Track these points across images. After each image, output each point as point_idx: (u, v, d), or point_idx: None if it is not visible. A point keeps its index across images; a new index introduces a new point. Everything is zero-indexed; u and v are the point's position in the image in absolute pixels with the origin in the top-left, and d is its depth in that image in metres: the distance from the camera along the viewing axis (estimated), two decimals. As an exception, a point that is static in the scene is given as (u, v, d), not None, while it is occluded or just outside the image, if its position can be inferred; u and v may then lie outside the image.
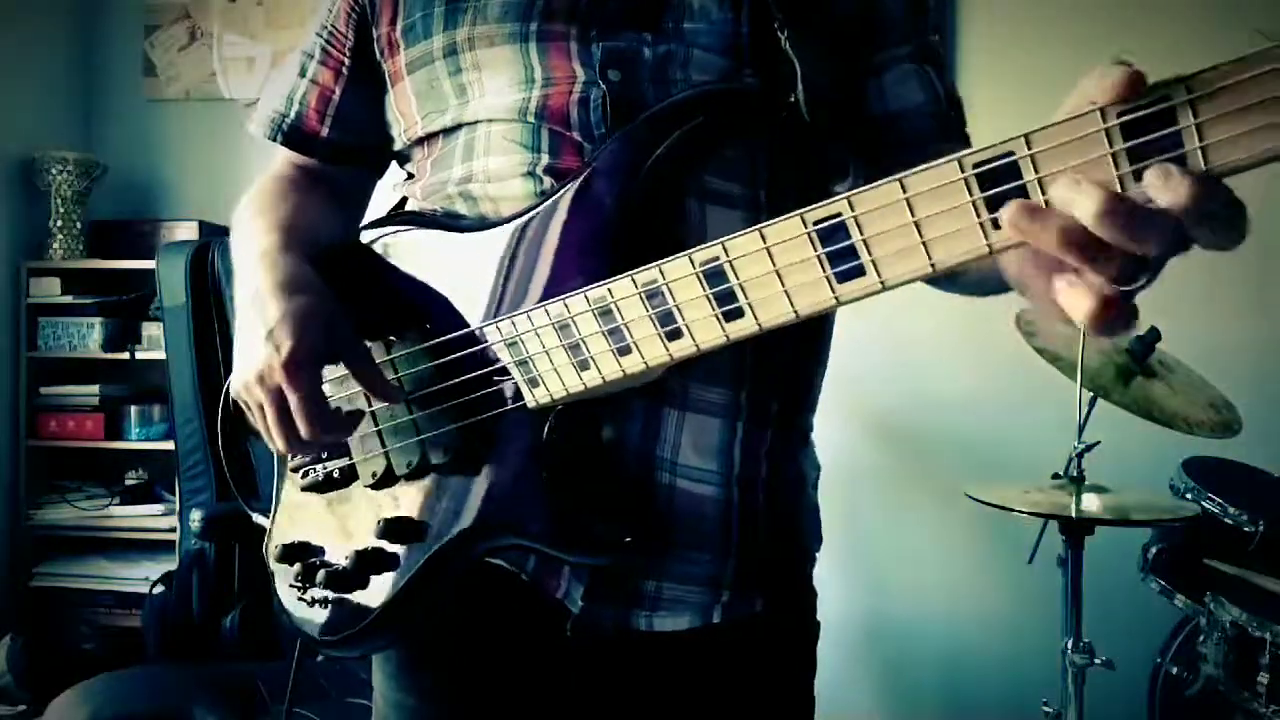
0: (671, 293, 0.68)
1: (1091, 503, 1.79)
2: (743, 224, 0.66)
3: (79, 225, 3.07)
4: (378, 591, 0.84)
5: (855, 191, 0.60)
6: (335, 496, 0.90)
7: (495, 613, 0.88)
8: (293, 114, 0.99)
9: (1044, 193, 0.53)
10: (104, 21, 3.30)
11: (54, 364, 3.04)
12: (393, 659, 0.94)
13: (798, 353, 0.89)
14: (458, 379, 0.81)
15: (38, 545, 3.04)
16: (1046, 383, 1.99)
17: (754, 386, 0.84)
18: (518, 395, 0.79)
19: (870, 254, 0.60)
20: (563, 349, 0.75)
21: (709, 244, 0.66)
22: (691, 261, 0.67)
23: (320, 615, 0.87)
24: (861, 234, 0.60)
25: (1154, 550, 2.06)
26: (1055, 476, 1.91)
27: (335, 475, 0.89)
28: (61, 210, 3.04)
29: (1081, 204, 0.50)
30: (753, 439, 0.85)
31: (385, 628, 0.85)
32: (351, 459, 0.88)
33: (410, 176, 0.96)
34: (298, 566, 0.87)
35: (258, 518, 0.97)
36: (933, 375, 2.68)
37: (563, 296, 0.74)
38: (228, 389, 1.00)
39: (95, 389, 3.01)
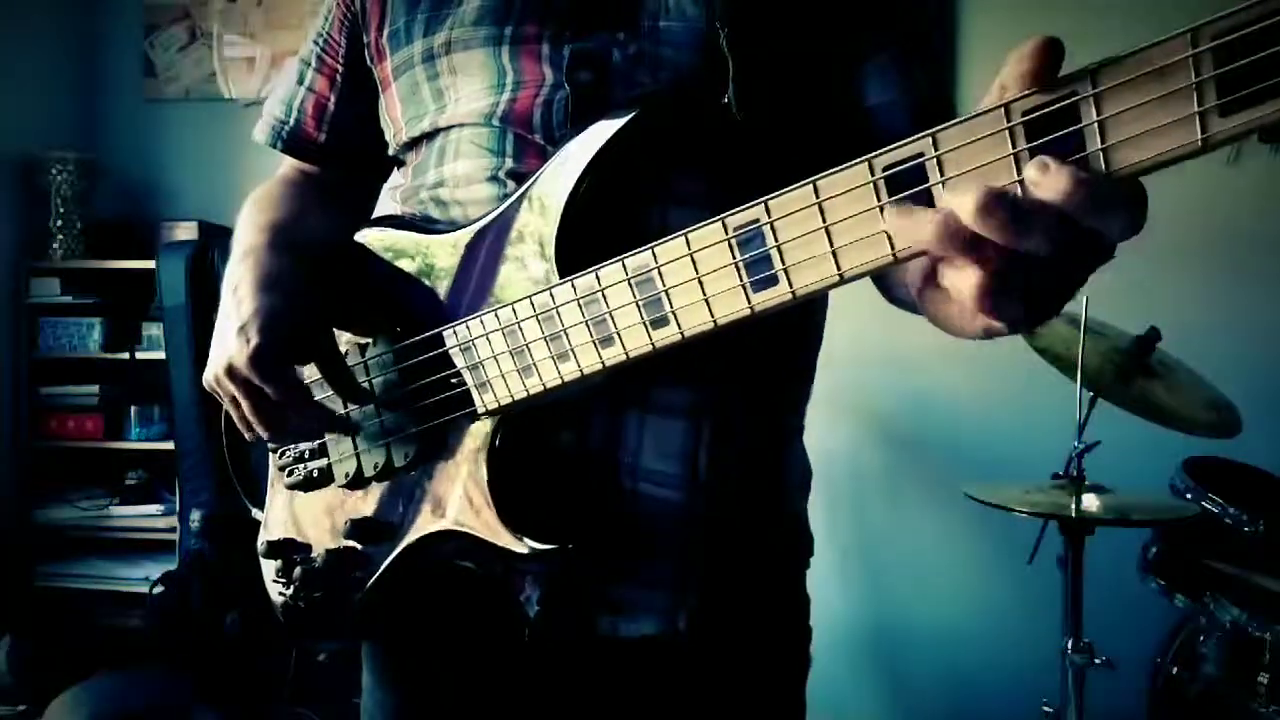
0: (606, 299, 0.68)
1: (1091, 503, 1.78)
2: None
3: (79, 225, 3.07)
4: (349, 589, 0.86)
5: (773, 195, 0.58)
6: (316, 495, 0.92)
7: (470, 615, 0.89)
8: (292, 121, 1.01)
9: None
10: (104, 21, 3.30)
11: (54, 364, 3.04)
12: (379, 660, 0.96)
13: (773, 354, 0.87)
14: (419, 383, 0.82)
15: (38, 545, 3.03)
16: (1046, 383, 1.99)
17: (723, 388, 0.83)
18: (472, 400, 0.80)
19: (783, 262, 0.58)
20: (509, 354, 0.75)
21: (640, 249, 0.65)
22: (624, 267, 0.66)
23: (298, 609, 0.89)
24: (776, 240, 0.58)
25: (1154, 550, 2.06)
26: (1055, 476, 1.91)
27: (315, 475, 0.91)
28: (61, 210, 3.04)
29: (960, 200, 0.48)
30: (722, 442, 0.83)
31: (357, 624, 0.88)
32: (329, 459, 0.90)
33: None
34: (279, 562, 0.89)
35: (256, 513, 1.00)
36: (933, 376, 2.68)
37: (511, 301, 0.74)
38: None
39: (95, 389, 3.01)
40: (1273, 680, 1.79)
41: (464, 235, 0.81)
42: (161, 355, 2.79)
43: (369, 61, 0.95)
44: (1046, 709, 1.92)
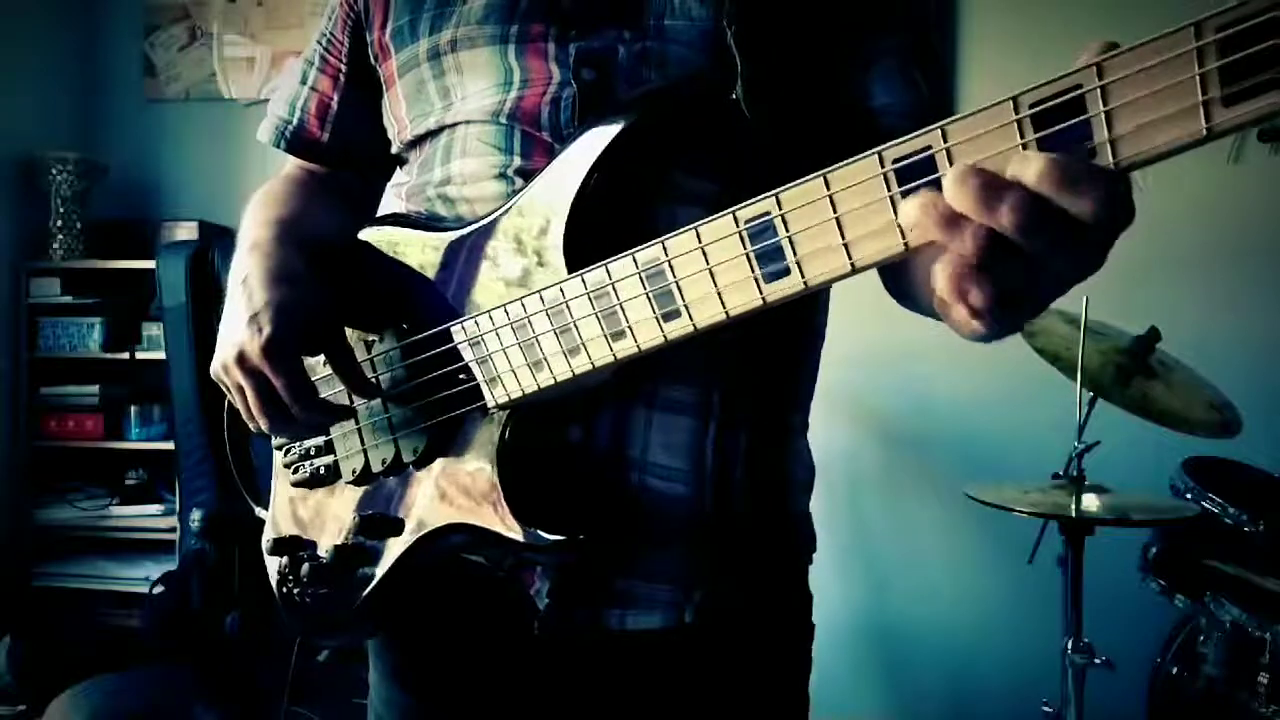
0: (616, 292, 0.68)
1: (1091, 503, 1.79)
2: None
3: (79, 225, 3.07)
4: (357, 585, 0.86)
5: (783, 189, 0.59)
6: (323, 492, 0.92)
7: (479, 609, 0.90)
8: (295, 120, 1.01)
9: None
10: (104, 21, 3.30)
11: (54, 364, 3.04)
12: (386, 658, 0.96)
13: (778, 351, 0.88)
14: (427, 378, 0.82)
15: (38, 545, 3.04)
16: (1046, 383, 1.99)
17: (728, 385, 0.84)
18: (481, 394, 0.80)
19: (795, 253, 0.59)
20: (519, 348, 0.75)
21: (651, 243, 0.66)
22: (635, 261, 0.67)
23: (306, 607, 0.90)
24: (787, 232, 0.59)
25: (1154, 550, 2.06)
26: (1055, 476, 1.91)
27: (322, 471, 0.91)
28: (61, 210, 3.04)
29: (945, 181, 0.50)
30: (727, 438, 0.84)
31: (364, 619, 0.88)
32: (335, 455, 0.90)
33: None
34: (285, 559, 0.90)
35: (260, 511, 1.00)
36: (933, 376, 2.68)
37: (520, 296, 0.74)
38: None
39: (95, 389, 3.01)
40: (1273, 680, 1.79)
41: (469, 233, 0.81)
42: (161, 355, 2.79)
43: (372, 60, 0.95)
44: (1046, 709, 1.92)
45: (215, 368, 0.85)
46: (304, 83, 1.01)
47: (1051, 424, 2.06)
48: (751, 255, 0.61)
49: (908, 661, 2.79)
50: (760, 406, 0.87)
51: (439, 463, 0.83)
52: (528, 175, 0.81)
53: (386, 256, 0.87)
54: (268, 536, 0.95)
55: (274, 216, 0.93)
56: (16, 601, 2.97)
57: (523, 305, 0.74)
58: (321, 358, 0.86)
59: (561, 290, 0.72)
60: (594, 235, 0.73)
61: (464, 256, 0.81)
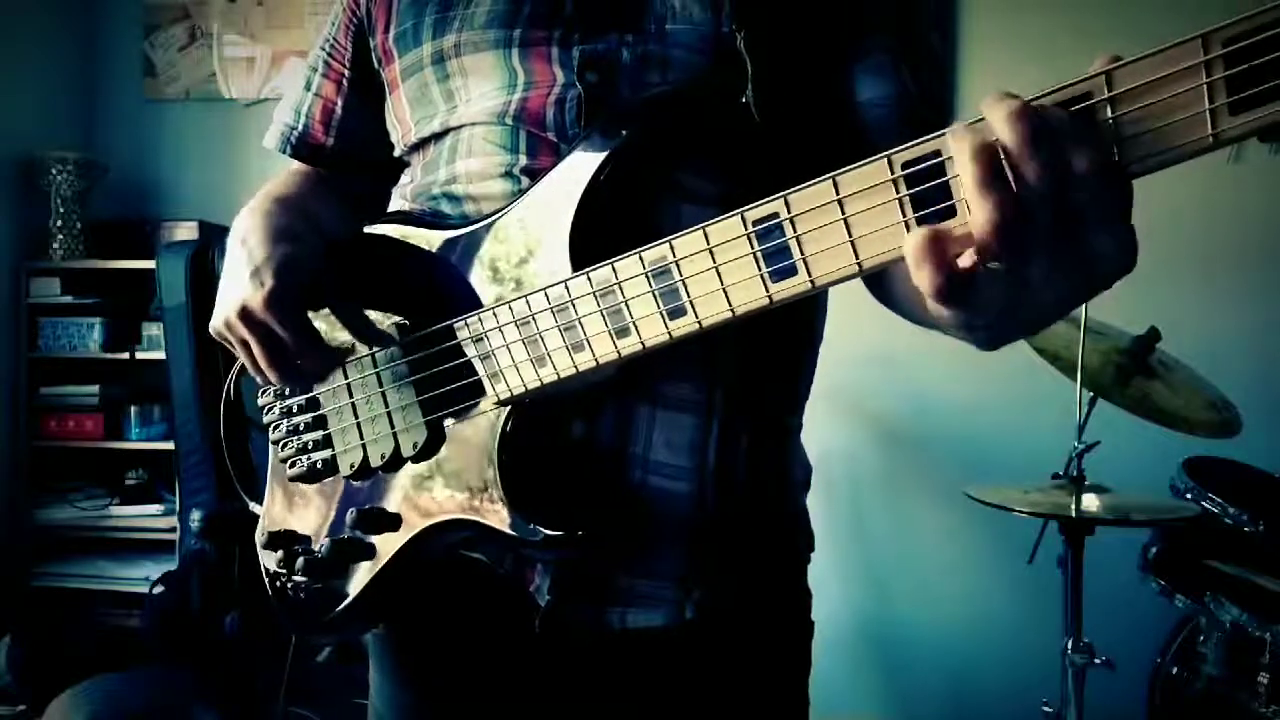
0: (622, 290, 0.69)
1: (1091, 503, 1.79)
2: None
3: (79, 225, 3.06)
4: (353, 580, 0.86)
5: (792, 190, 0.60)
6: (318, 487, 0.92)
7: (479, 607, 0.89)
8: (300, 126, 1.02)
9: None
10: (104, 21, 3.30)
11: (54, 364, 3.04)
12: (388, 657, 0.96)
13: (778, 351, 0.89)
14: (429, 372, 0.82)
15: (38, 545, 3.04)
16: (1046, 383, 1.99)
17: (730, 384, 0.84)
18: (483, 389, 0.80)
19: (802, 253, 0.60)
20: (522, 344, 0.76)
21: (657, 242, 0.67)
22: (641, 260, 0.67)
23: (301, 601, 0.90)
24: (795, 232, 0.60)
25: (1154, 550, 2.06)
26: (1055, 476, 1.91)
27: (319, 465, 0.91)
28: (61, 210, 3.04)
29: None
30: (729, 436, 0.85)
31: (360, 615, 0.88)
32: (333, 449, 0.90)
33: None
34: (280, 553, 0.90)
35: (255, 507, 1.00)
36: (933, 376, 2.68)
37: (525, 293, 0.75)
38: (228, 390, 1.01)
39: (95, 389, 3.01)
40: (1273, 680, 1.79)
41: (474, 229, 0.82)
42: (161, 355, 2.79)
43: (376, 64, 0.96)
44: (1046, 709, 1.92)
45: (217, 324, 0.85)
46: (308, 89, 1.02)
47: (1051, 424, 2.07)
48: (759, 254, 0.62)
49: (907, 661, 2.79)
50: (761, 406, 0.87)
51: (438, 457, 0.83)
52: (534, 174, 0.81)
53: (389, 251, 0.88)
54: (262, 530, 0.95)
55: (280, 194, 0.94)
56: (16, 601, 2.97)
57: (527, 302, 0.74)
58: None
59: (567, 287, 0.72)
60: (599, 234, 0.74)
61: (468, 253, 0.82)
